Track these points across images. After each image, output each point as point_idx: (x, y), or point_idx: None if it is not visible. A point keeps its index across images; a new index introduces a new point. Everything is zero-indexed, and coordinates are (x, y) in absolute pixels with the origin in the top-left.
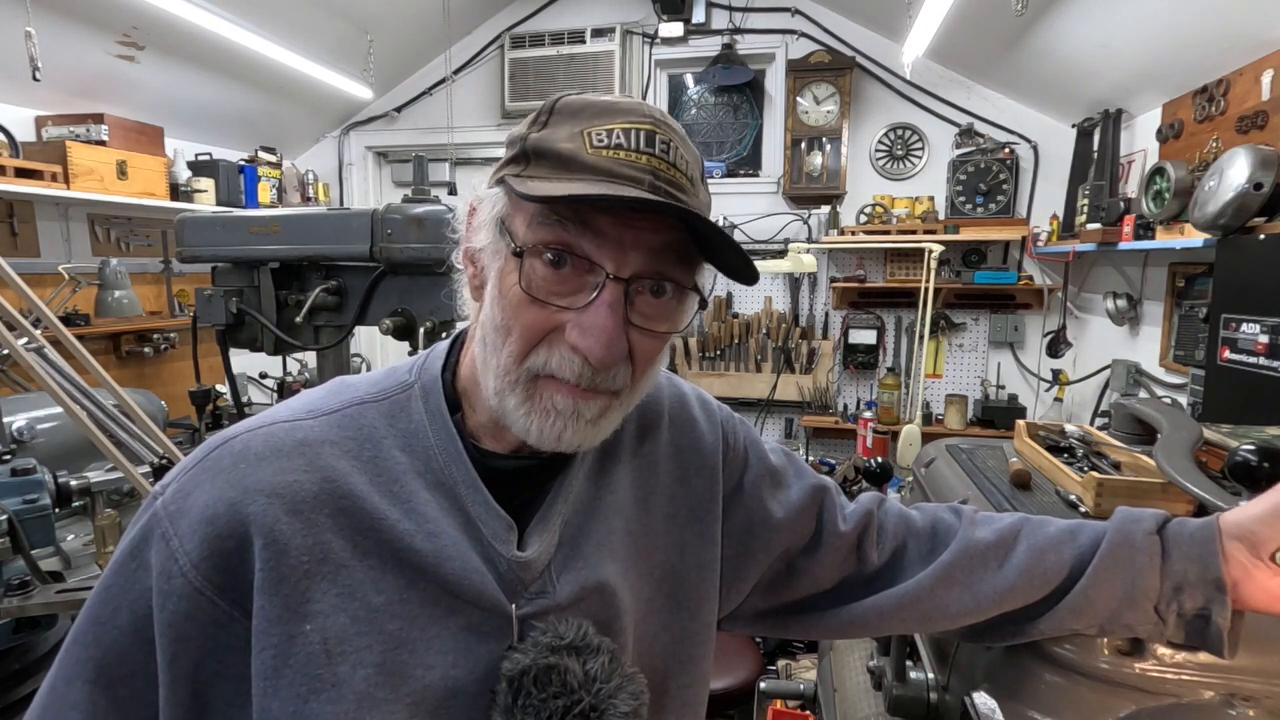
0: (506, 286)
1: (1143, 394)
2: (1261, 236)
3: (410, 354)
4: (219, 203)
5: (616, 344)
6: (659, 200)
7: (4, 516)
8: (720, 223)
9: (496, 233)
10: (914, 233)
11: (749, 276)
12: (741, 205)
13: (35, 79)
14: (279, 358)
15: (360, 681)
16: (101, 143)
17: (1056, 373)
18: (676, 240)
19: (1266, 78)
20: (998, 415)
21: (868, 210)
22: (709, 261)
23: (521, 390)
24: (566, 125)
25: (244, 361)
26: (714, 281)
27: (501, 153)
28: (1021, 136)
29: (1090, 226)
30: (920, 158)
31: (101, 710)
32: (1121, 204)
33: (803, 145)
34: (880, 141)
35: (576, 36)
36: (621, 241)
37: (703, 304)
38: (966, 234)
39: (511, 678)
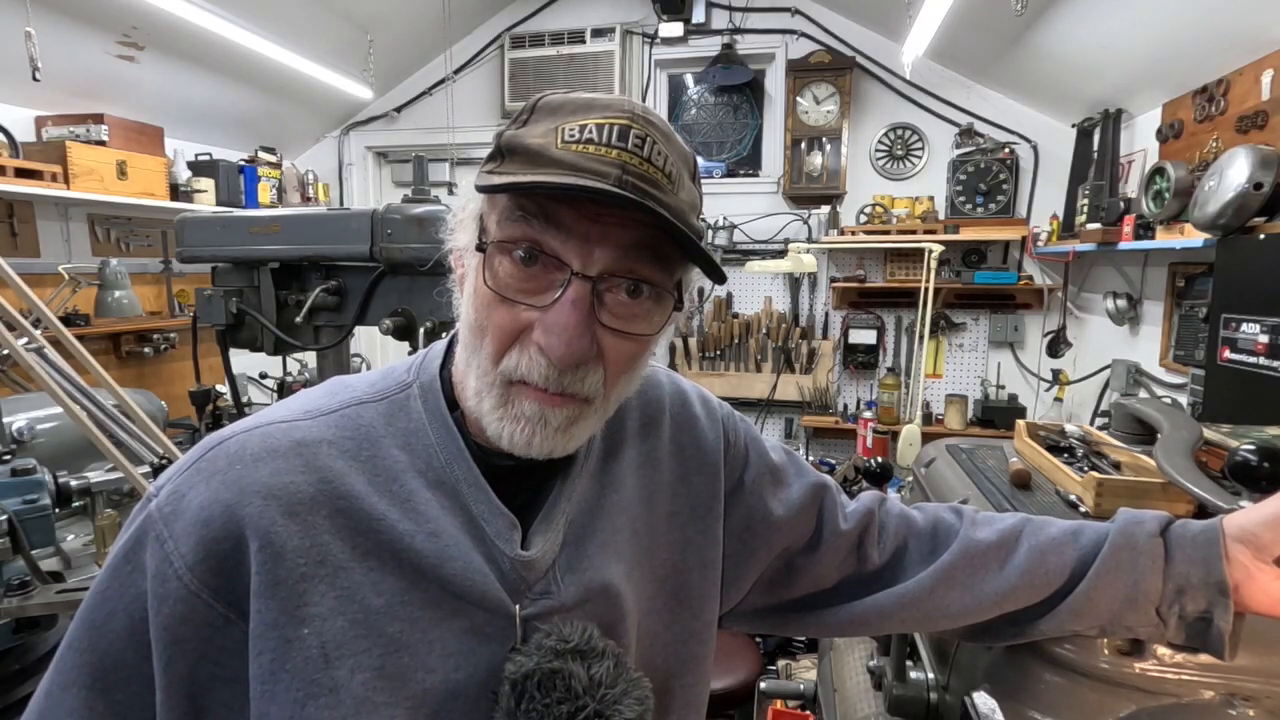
0: (478, 284)
1: (1143, 394)
2: (1261, 236)
3: (410, 354)
4: (219, 203)
5: (577, 342)
6: (611, 190)
7: (4, 516)
8: (719, 223)
9: (472, 231)
10: (914, 233)
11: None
12: (741, 205)
13: (35, 79)
14: (279, 358)
15: (359, 686)
16: (101, 143)
17: (1056, 373)
18: (649, 237)
19: (1266, 78)
20: (998, 415)
21: (868, 210)
22: (691, 260)
23: (497, 394)
24: (544, 122)
25: (244, 361)
26: (713, 284)
27: None
28: (1021, 136)
29: (1090, 226)
30: (920, 158)
31: (98, 715)
32: (1121, 204)
33: (803, 145)
34: (880, 141)
35: (576, 36)
36: (587, 237)
37: (678, 305)
38: (966, 234)
39: (514, 681)
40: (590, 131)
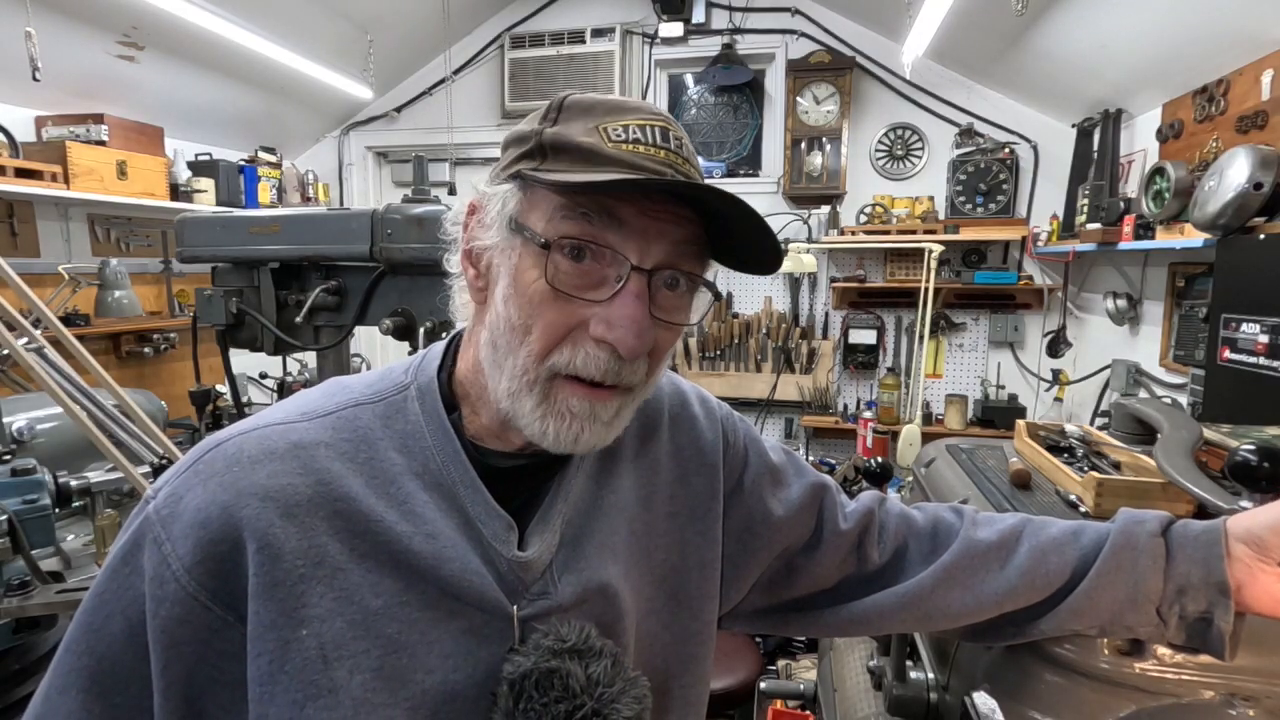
0: (526, 283)
1: (1143, 394)
2: (1261, 236)
3: (410, 354)
4: (219, 203)
5: (647, 334)
6: (695, 184)
7: (4, 516)
8: None
9: (509, 230)
10: (914, 233)
11: (769, 264)
12: None
13: (35, 79)
14: (279, 358)
15: (357, 687)
16: (101, 143)
17: (1056, 373)
18: (695, 234)
19: (1266, 78)
20: (998, 415)
21: (868, 210)
22: (719, 257)
23: (539, 391)
24: (579, 121)
25: (244, 361)
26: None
27: (500, 153)
28: (1021, 136)
29: (1090, 226)
30: (920, 158)
31: (96, 719)
32: (1121, 204)
33: (803, 145)
34: (880, 141)
35: (576, 36)
36: (645, 233)
37: (717, 296)
38: (966, 234)
39: (513, 681)
40: (635, 132)
